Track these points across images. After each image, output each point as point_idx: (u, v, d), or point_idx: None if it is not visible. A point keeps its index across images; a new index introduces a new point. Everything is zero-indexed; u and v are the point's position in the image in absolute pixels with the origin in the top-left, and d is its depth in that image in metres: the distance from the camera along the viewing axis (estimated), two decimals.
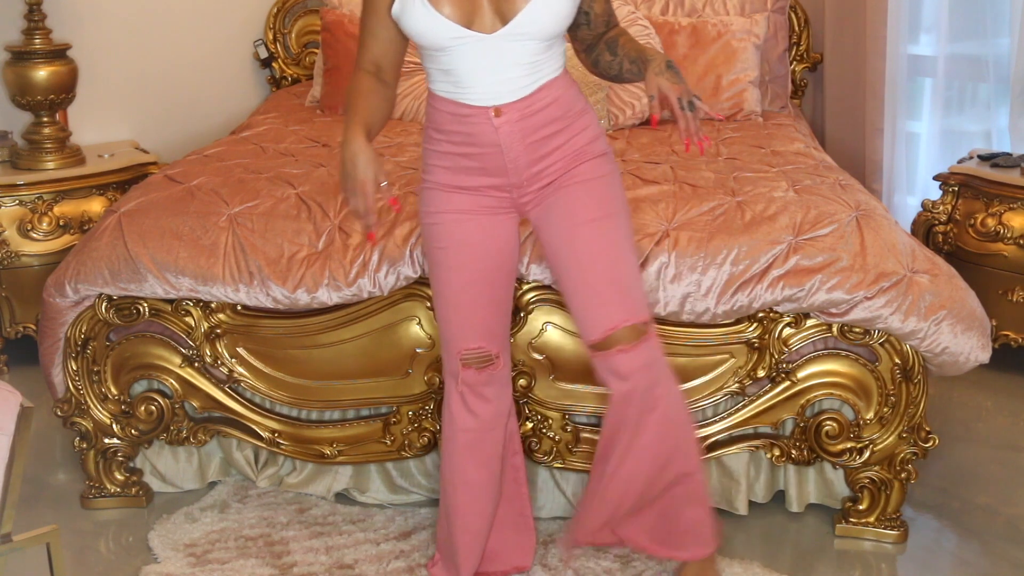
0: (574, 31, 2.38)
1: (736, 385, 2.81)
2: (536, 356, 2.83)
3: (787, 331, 2.77)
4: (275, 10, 4.74)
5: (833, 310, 2.70)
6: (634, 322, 2.35)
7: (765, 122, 4.03)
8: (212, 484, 3.13)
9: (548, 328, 2.82)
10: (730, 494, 2.93)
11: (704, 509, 2.53)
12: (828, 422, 2.80)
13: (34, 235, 3.86)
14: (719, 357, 2.80)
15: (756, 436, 2.86)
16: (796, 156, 3.41)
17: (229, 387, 2.97)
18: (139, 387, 3.00)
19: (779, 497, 2.99)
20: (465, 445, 2.50)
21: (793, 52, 4.57)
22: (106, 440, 3.01)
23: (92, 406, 2.98)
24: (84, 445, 3.02)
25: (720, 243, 2.74)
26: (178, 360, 2.95)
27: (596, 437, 2.85)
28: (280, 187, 3.02)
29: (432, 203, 2.41)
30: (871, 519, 2.87)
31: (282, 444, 2.98)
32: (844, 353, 2.78)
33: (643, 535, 2.55)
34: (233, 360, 2.94)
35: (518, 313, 2.79)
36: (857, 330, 2.73)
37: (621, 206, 2.41)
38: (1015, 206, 3.72)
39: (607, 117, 3.83)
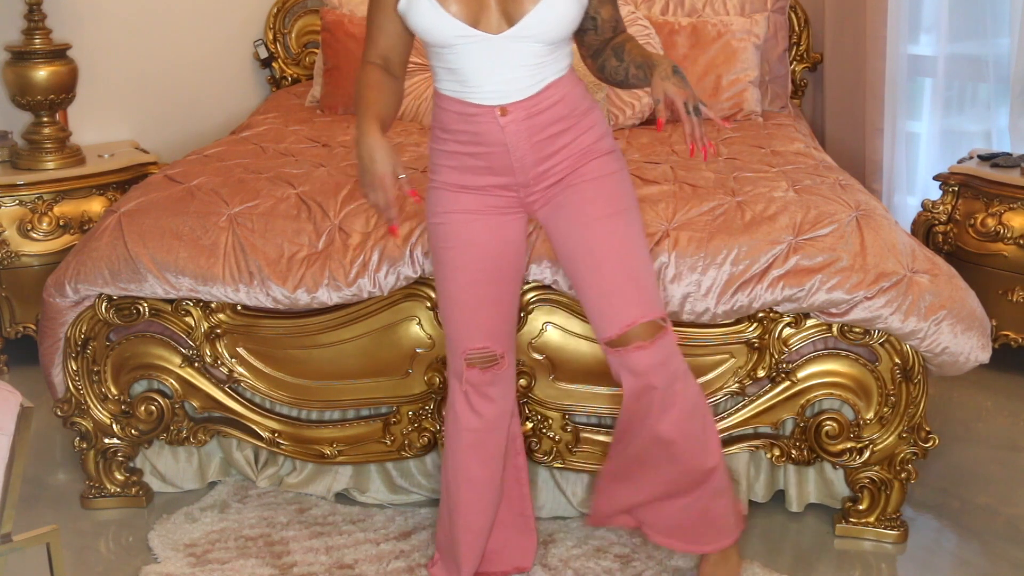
0: (580, 36, 2.38)
1: (736, 385, 2.81)
2: (536, 356, 2.83)
3: (787, 331, 2.77)
4: (275, 10, 4.74)
5: (833, 310, 2.70)
6: (651, 318, 2.36)
7: (765, 122, 4.03)
8: (212, 484, 3.13)
9: (548, 328, 2.82)
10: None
11: (727, 499, 2.56)
12: (828, 422, 2.80)
13: (34, 235, 3.86)
14: (719, 357, 2.80)
15: (756, 436, 2.86)
16: (796, 156, 3.41)
17: (229, 387, 2.97)
18: (139, 387, 3.00)
19: (779, 497, 2.99)
20: (469, 445, 2.50)
21: (793, 52, 4.57)
22: (106, 440, 3.01)
23: (92, 406, 2.98)
24: (84, 445, 3.02)
25: (720, 243, 2.74)
26: (178, 360, 2.95)
27: (596, 437, 2.86)
28: (280, 187, 3.02)
29: (439, 203, 2.41)
30: (871, 519, 2.87)
31: (282, 444, 2.98)
32: (844, 353, 2.78)
33: (664, 532, 2.58)
34: (233, 360, 2.94)
35: (518, 313, 2.79)
36: (857, 330, 2.73)
37: (631, 202, 2.42)
38: (1015, 206, 3.72)
39: (607, 117, 3.83)
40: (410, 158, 3.31)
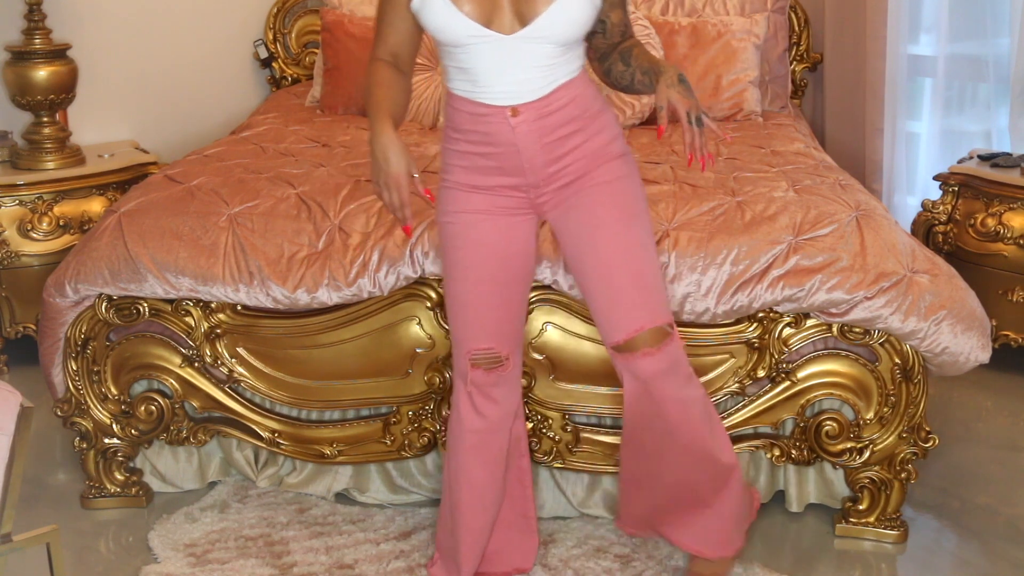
0: (588, 39, 2.38)
1: (736, 385, 2.81)
2: (536, 356, 2.83)
3: (787, 331, 2.77)
4: (275, 10, 4.74)
5: (833, 310, 2.70)
6: (658, 324, 2.37)
7: (765, 122, 4.03)
8: (212, 484, 3.13)
9: (548, 328, 2.82)
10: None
11: (747, 499, 2.63)
12: (828, 422, 2.80)
13: (34, 235, 3.86)
14: (719, 357, 2.80)
15: (756, 436, 2.86)
16: (796, 156, 3.41)
17: (229, 387, 2.97)
18: (139, 387, 3.00)
19: (779, 497, 2.99)
20: (471, 446, 2.50)
21: (793, 52, 4.57)
22: (106, 440, 3.01)
23: (92, 406, 2.98)
24: (84, 445, 3.02)
25: (720, 243, 2.74)
26: (178, 360, 2.95)
27: (596, 437, 2.86)
28: (280, 187, 3.02)
29: (450, 202, 2.41)
30: (871, 519, 2.87)
31: (282, 444, 2.98)
32: (844, 353, 2.78)
33: (690, 538, 2.60)
34: (233, 360, 2.94)
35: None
36: (857, 330, 2.73)
37: (642, 207, 2.42)
38: (1015, 206, 3.72)
39: None
40: None
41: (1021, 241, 3.68)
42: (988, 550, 2.86)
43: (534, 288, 2.78)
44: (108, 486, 3.05)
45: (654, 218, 2.79)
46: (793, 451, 2.85)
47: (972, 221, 3.80)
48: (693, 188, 2.97)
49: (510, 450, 2.57)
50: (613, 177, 2.37)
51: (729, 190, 2.95)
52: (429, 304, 2.83)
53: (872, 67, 4.26)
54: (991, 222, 3.74)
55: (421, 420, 2.90)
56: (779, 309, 2.74)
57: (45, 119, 4.02)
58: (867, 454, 2.80)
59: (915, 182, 4.45)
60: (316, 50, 4.61)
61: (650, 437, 2.48)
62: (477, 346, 2.44)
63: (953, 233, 3.85)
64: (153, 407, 2.98)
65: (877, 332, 2.72)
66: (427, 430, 2.90)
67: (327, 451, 2.95)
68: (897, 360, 2.75)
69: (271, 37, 4.73)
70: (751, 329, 2.77)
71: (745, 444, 2.85)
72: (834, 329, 2.74)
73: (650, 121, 3.90)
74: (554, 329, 2.82)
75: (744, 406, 2.83)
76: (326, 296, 2.81)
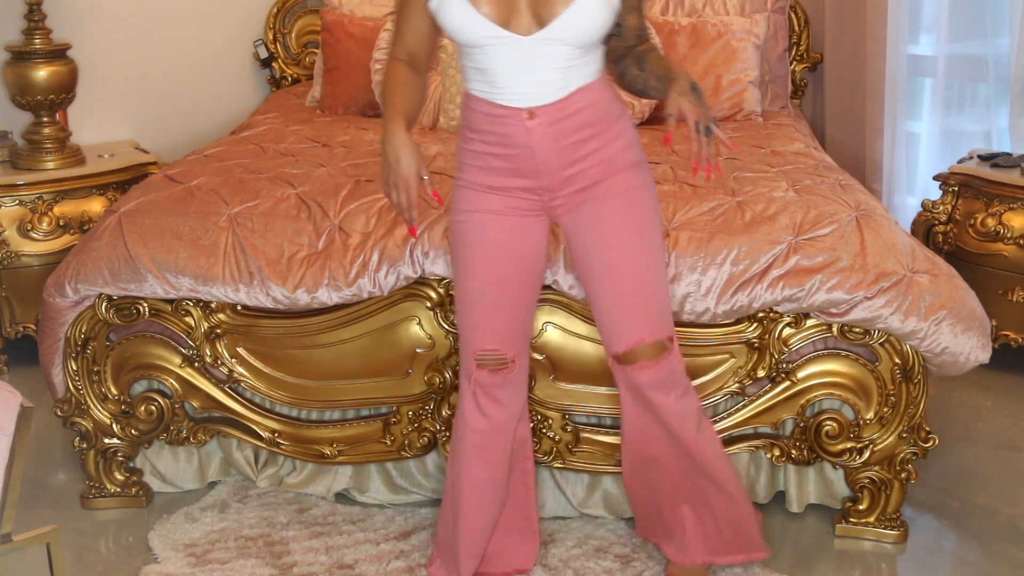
0: (605, 41, 2.37)
1: (736, 385, 2.81)
2: (536, 356, 2.82)
3: (787, 331, 2.77)
4: (275, 10, 4.74)
5: (833, 310, 2.70)
6: (658, 338, 2.40)
7: (765, 122, 4.03)
8: (212, 484, 3.13)
9: (548, 328, 2.82)
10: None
11: (749, 504, 2.66)
12: (828, 422, 2.80)
13: (34, 235, 3.86)
14: (719, 357, 2.80)
15: (756, 436, 2.86)
16: (796, 156, 3.41)
17: (229, 387, 2.97)
18: (139, 387, 3.00)
19: (779, 497, 2.99)
20: (474, 446, 2.51)
21: (793, 52, 4.57)
22: (106, 440, 3.01)
23: (92, 406, 2.98)
24: (84, 445, 3.02)
25: (720, 243, 2.74)
26: (178, 360, 2.95)
27: (596, 437, 2.86)
28: (280, 187, 3.02)
29: (464, 201, 2.41)
30: (871, 519, 2.87)
31: (282, 444, 2.98)
32: (844, 353, 2.78)
33: (703, 551, 2.62)
34: (233, 360, 2.94)
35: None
36: (857, 330, 2.73)
37: (655, 219, 2.43)
38: (1015, 206, 3.72)
39: None
40: None
41: (1021, 241, 3.68)
42: (988, 550, 2.86)
43: None
44: (108, 486, 3.05)
45: None
46: (793, 451, 2.85)
47: (972, 221, 3.79)
48: (693, 188, 2.97)
49: (514, 452, 2.58)
50: (629, 187, 2.37)
51: (729, 190, 2.95)
52: (429, 304, 2.83)
53: (872, 67, 4.26)
54: (991, 222, 3.74)
55: (421, 420, 2.90)
56: (779, 309, 2.74)
57: (45, 119, 4.02)
58: (867, 454, 2.80)
59: (915, 182, 4.45)
60: (316, 50, 4.61)
61: (650, 442, 2.52)
62: (484, 347, 2.44)
63: (953, 233, 3.85)
64: (153, 407, 2.98)
65: (877, 332, 2.72)
66: (427, 430, 2.90)
67: (327, 451, 2.95)
68: (897, 360, 2.75)
69: (271, 37, 4.74)
70: (751, 329, 2.77)
71: (745, 444, 2.85)
72: (834, 329, 2.74)
73: (650, 121, 3.89)
74: (554, 329, 2.82)
75: (744, 406, 2.83)
76: (326, 296, 2.81)
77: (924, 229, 3.93)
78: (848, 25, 4.40)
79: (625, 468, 2.63)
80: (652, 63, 2.34)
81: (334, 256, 2.82)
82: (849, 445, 2.81)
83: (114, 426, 2.99)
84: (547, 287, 2.78)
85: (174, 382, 2.96)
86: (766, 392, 2.82)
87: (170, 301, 2.91)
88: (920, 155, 4.44)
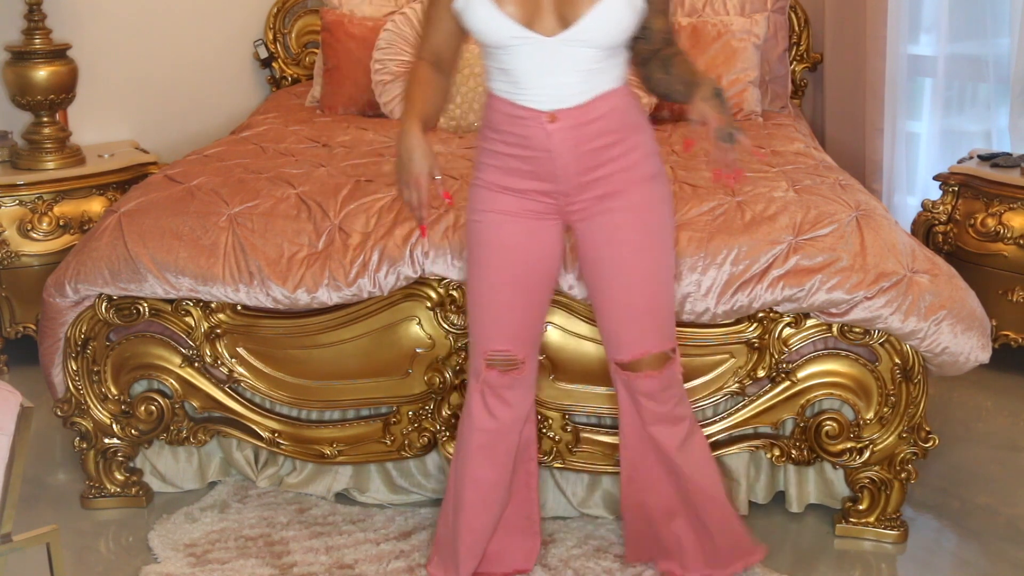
0: (631, 44, 2.37)
1: (736, 385, 2.81)
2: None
3: (787, 331, 2.77)
4: (275, 10, 4.74)
5: (833, 310, 2.70)
6: (663, 349, 2.43)
7: (765, 122, 4.03)
8: (212, 484, 3.13)
9: (548, 328, 2.82)
10: (730, 494, 2.92)
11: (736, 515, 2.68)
12: (828, 422, 2.80)
13: (34, 235, 3.86)
14: (719, 357, 2.80)
15: (756, 436, 2.86)
16: (796, 156, 3.41)
17: (229, 387, 2.97)
18: (139, 387, 3.00)
19: (779, 497, 2.99)
20: (479, 445, 2.51)
21: (793, 52, 4.57)
22: (106, 440, 3.01)
23: (92, 406, 2.98)
24: (84, 445, 3.02)
25: (720, 243, 2.74)
26: (178, 360, 2.95)
27: (596, 437, 2.86)
28: (280, 187, 3.02)
29: (480, 201, 2.42)
30: (871, 519, 2.87)
31: (282, 444, 2.98)
32: (844, 353, 2.78)
33: (704, 564, 2.62)
34: (233, 360, 2.94)
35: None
36: (857, 330, 2.73)
37: (668, 232, 2.44)
38: (1015, 206, 3.72)
39: None
40: None
41: (1021, 241, 3.68)
42: (988, 550, 2.86)
43: None
44: (108, 486, 3.05)
45: None
46: (793, 451, 2.85)
47: (972, 221, 3.79)
48: (693, 188, 2.97)
49: (519, 453, 2.58)
50: (646, 200, 2.38)
51: (729, 190, 2.95)
52: (429, 304, 2.83)
53: (872, 67, 4.26)
54: (991, 222, 3.74)
55: (421, 420, 2.90)
56: (779, 309, 2.74)
57: (45, 119, 4.02)
58: (867, 454, 2.80)
59: (915, 182, 4.44)
60: (316, 50, 4.61)
61: (645, 447, 2.54)
62: (494, 347, 2.44)
63: (953, 233, 3.85)
64: (153, 407, 2.98)
65: (877, 332, 2.72)
66: (427, 430, 2.90)
67: (327, 451, 2.95)
68: (897, 360, 2.75)
69: (271, 37, 4.73)
70: (751, 329, 2.77)
71: (745, 444, 2.85)
72: (834, 329, 2.74)
73: (653, 118, 3.88)
74: (554, 329, 2.82)
75: (744, 406, 2.83)
76: (326, 296, 2.81)
77: (924, 229, 3.93)
78: (848, 25, 4.40)
79: (623, 475, 2.62)
80: (678, 67, 2.34)
81: (334, 256, 2.82)
82: (849, 445, 2.81)
83: (114, 426, 2.99)
84: None
85: (174, 382, 2.96)
86: (766, 392, 2.82)
87: (170, 301, 2.91)
88: (920, 155, 4.44)
